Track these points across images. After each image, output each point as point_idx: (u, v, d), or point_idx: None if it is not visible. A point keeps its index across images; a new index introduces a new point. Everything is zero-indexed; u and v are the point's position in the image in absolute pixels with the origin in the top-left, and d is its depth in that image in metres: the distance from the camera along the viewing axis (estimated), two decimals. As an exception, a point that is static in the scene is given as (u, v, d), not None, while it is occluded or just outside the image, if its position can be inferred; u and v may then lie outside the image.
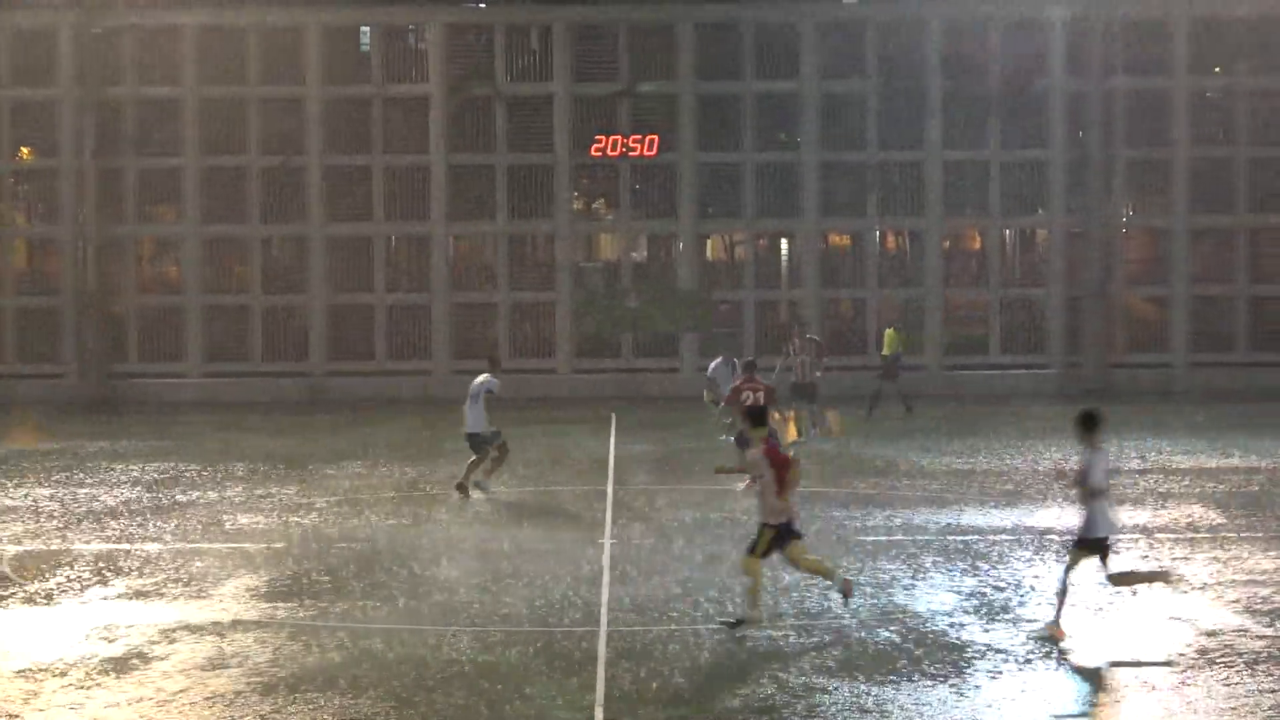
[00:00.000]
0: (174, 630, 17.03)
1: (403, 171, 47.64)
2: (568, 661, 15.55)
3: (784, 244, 49.05)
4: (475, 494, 26.61)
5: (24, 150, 48.39)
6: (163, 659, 15.82)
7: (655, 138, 47.58)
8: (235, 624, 17.29)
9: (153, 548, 22.07)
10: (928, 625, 16.94)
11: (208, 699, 14.38)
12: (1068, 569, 16.66)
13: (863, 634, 16.51)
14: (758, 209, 47.75)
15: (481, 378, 27.04)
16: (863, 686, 14.54)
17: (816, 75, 47.50)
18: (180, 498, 26.94)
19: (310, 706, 14.09)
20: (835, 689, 14.46)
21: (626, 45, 47.63)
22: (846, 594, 17.23)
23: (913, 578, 19.56)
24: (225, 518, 24.67)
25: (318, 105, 47.59)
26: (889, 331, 41.05)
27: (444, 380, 45.92)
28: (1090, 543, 16.48)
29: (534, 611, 17.78)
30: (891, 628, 16.78)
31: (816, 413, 35.20)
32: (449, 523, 24.31)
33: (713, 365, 34.45)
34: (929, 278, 47.86)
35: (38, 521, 24.55)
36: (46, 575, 20.24)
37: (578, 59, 47.65)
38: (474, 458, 26.79)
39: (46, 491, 27.87)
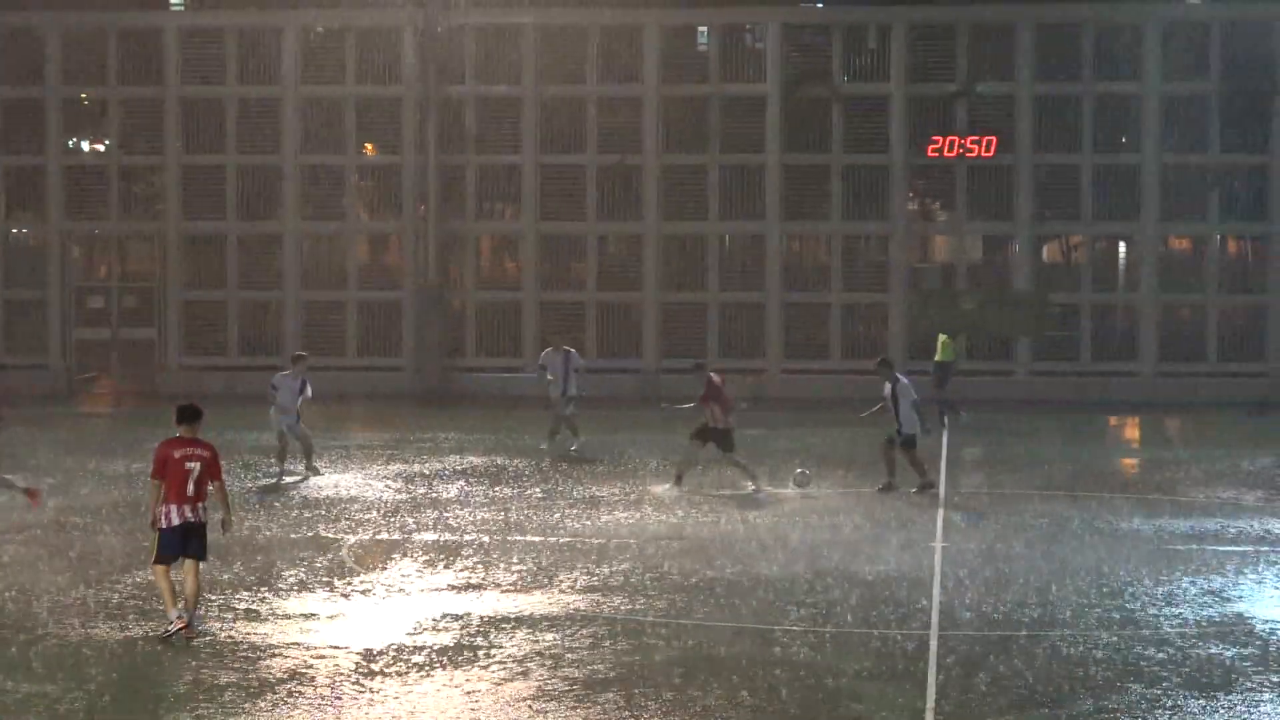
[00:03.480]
0: (505, 621, 18.31)
1: (738, 170, 49.12)
2: (899, 664, 16.58)
3: (1121, 247, 49.84)
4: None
5: (368, 146, 50.70)
6: (494, 649, 17.04)
7: (993, 139, 48.57)
8: (566, 617, 18.52)
9: (485, 538, 23.71)
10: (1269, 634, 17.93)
11: (536, 693, 15.37)
12: None
13: (1209, 648, 17.40)
14: (1096, 212, 48.62)
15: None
16: (1200, 699, 15.27)
17: (1159, 76, 48.20)
18: (506, 491, 28.71)
19: (637, 703, 15.07)
20: (1177, 703, 15.19)
21: (965, 45, 48.75)
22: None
23: (1255, 583, 20.71)
24: (552, 512, 26.33)
25: (655, 104, 49.24)
26: (942, 338, 42.03)
27: (775, 380, 47.45)
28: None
29: (864, 612, 18.90)
30: (1240, 639, 17.70)
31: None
32: (779, 521, 25.79)
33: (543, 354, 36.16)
34: (1272, 282, 48.40)
35: (375, 512, 26.41)
36: (383, 564, 21.88)
37: (915, 59, 48.99)
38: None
39: (382, 483, 29.78)
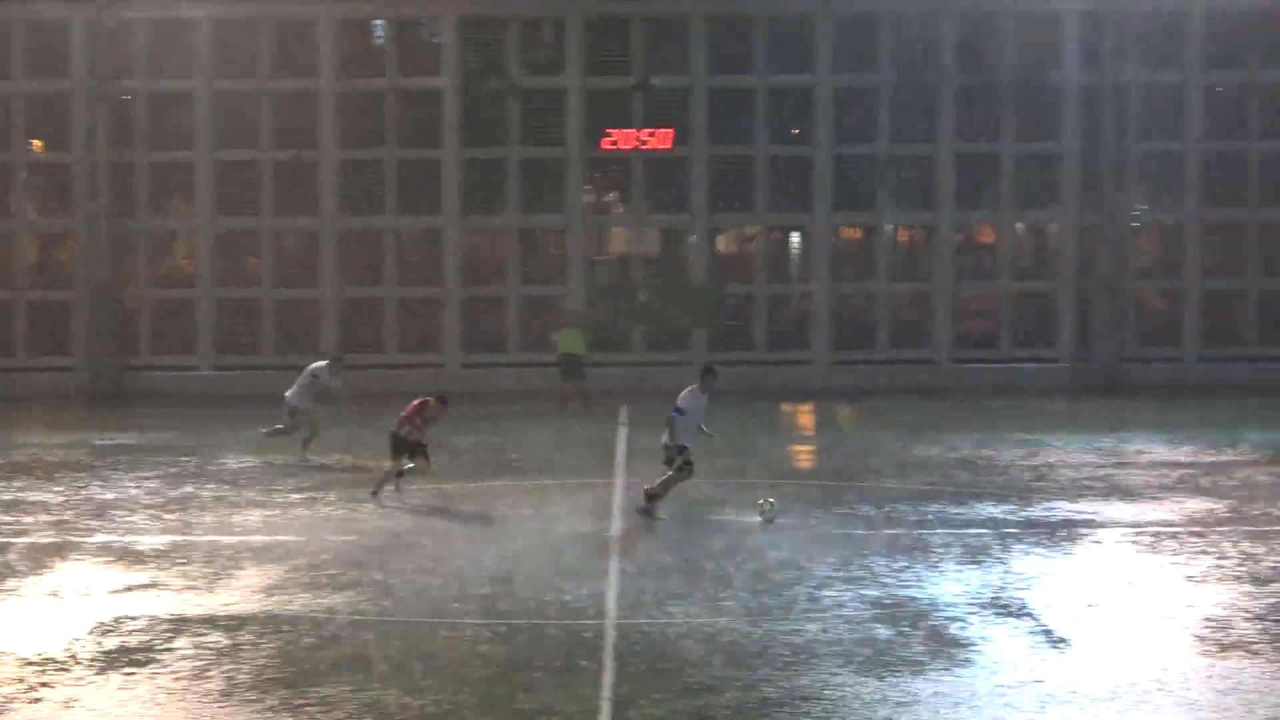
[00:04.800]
0: (182, 623, 18.20)
1: (416, 165, 49.42)
2: (576, 657, 16.85)
3: (795, 237, 50.93)
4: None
5: (36, 143, 50.20)
6: (170, 652, 16.94)
7: (670, 131, 49.42)
8: (246, 617, 18.49)
9: (161, 540, 23.47)
10: (936, 618, 18.58)
11: (213, 692, 15.40)
12: None
13: (873, 628, 18.07)
14: (770, 202, 49.63)
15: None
16: (875, 681, 15.83)
17: (829, 69, 49.32)
18: (187, 491, 28.42)
19: (314, 700, 15.12)
20: (849, 685, 15.70)
21: (640, 39, 49.49)
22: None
23: (929, 569, 21.39)
24: (233, 511, 26.22)
25: (330, 99, 49.37)
26: (570, 331, 43.15)
27: (455, 374, 47.77)
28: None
29: (541, 604, 19.21)
30: (903, 622, 18.36)
31: None
32: (457, 516, 25.97)
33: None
34: (939, 272, 49.74)
35: (46, 514, 26.02)
36: (53, 567, 21.58)
37: (591, 53, 49.63)
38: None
39: (53, 484, 29.28)
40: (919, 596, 19.69)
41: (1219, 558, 22.05)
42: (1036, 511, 25.94)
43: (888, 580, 20.58)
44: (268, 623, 18.25)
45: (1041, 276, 50.87)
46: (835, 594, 19.79)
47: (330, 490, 28.36)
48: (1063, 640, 17.48)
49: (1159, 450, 33.61)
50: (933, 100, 49.85)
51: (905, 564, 21.60)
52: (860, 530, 24.38)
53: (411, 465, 27.50)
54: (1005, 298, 50.52)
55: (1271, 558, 22.09)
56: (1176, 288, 50.65)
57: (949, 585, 20.31)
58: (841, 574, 20.95)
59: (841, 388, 48.54)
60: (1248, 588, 20.16)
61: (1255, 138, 50.23)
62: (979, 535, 23.85)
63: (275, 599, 19.50)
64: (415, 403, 27.85)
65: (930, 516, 25.16)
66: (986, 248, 51.72)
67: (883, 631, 17.87)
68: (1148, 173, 50.55)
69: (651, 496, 25.19)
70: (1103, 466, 31.17)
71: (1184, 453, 33.22)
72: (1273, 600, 19.45)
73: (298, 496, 27.73)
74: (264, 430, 33.88)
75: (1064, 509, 26.19)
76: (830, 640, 17.44)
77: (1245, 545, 22.94)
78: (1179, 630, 17.95)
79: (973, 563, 21.73)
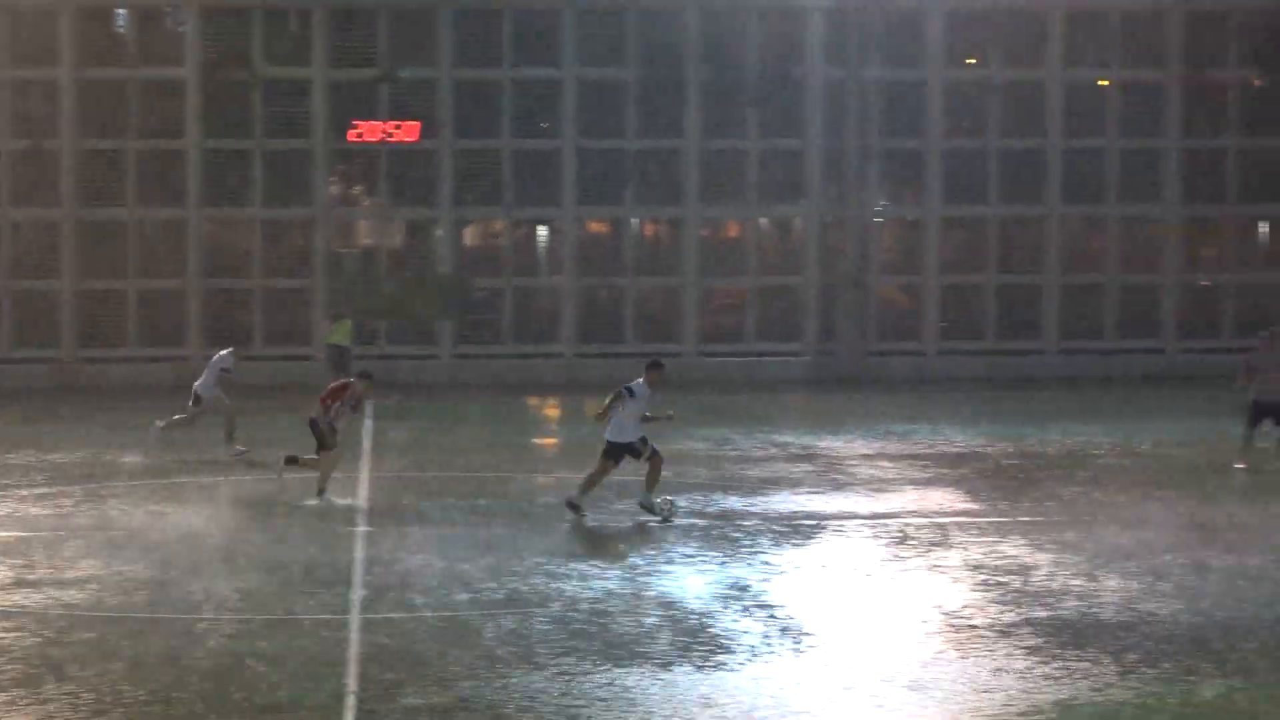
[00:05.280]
0: None
1: (157, 155, 48.92)
2: (323, 649, 17.11)
3: (542, 231, 51.08)
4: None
5: None
6: None
7: (417, 124, 49.38)
8: None
9: None
10: (680, 610, 19.00)
11: None
12: None
13: (621, 620, 18.47)
14: (517, 196, 49.75)
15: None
16: (614, 672, 16.15)
17: (576, 62, 49.53)
18: None
19: (60, 697, 15.18)
20: (589, 674, 16.08)
21: (386, 30, 49.37)
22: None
23: (668, 563, 21.79)
24: None
25: (70, 87, 48.70)
26: (343, 323, 43.36)
27: (199, 368, 47.29)
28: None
29: (284, 598, 19.47)
30: (652, 613, 18.80)
31: None
32: (198, 510, 25.96)
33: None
34: (687, 266, 50.17)
35: None
36: None
37: (336, 44, 49.39)
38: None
39: None
40: (660, 591, 20.00)
41: (960, 550, 22.63)
42: (777, 505, 26.38)
43: (628, 574, 20.85)
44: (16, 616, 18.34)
45: (786, 271, 51.47)
46: (575, 587, 20.10)
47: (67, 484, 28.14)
48: (804, 634, 17.80)
49: (900, 443, 34.27)
50: (679, 95, 50.22)
51: (649, 558, 21.85)
52: (596, 523, 24.72)
53: (314, 457, 26.83)
54: (751, 291, 51.07)
55: (1012, 550, 22.63)
56: (918, 282, 51.53)
57: (691, 579, 20.65)
58: (584, 566, 21.28)
59: (588, 381, 48.63)
60: (985, 579, 20.67)
61: (995, 135, 51.20)
62: (720, 528, 24.26)
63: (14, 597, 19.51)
64: (334, 385, 27.32)
65: (672, 509, 25.28)
66: (732, 242, 52.26)
67: (623, 625, 18.14)
68: (890, 169, 51.43)
69: (647, 506, 25.04)
70: (845, 459, 31.72)
71: (924, 445, 33.92)
72: (1014, 592, 19.96)
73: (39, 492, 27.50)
74: (160, 424, 33.25)
75: (805, 502, 26.71)
76: (573, 633, 17.69)
77: (985, 538, 23.55)
78: (918, 623, 18.37)
79: (715, 556, 22.09)
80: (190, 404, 32.82)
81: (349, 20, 49.95)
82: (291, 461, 27.12)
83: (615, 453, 25.07)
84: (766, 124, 50.61)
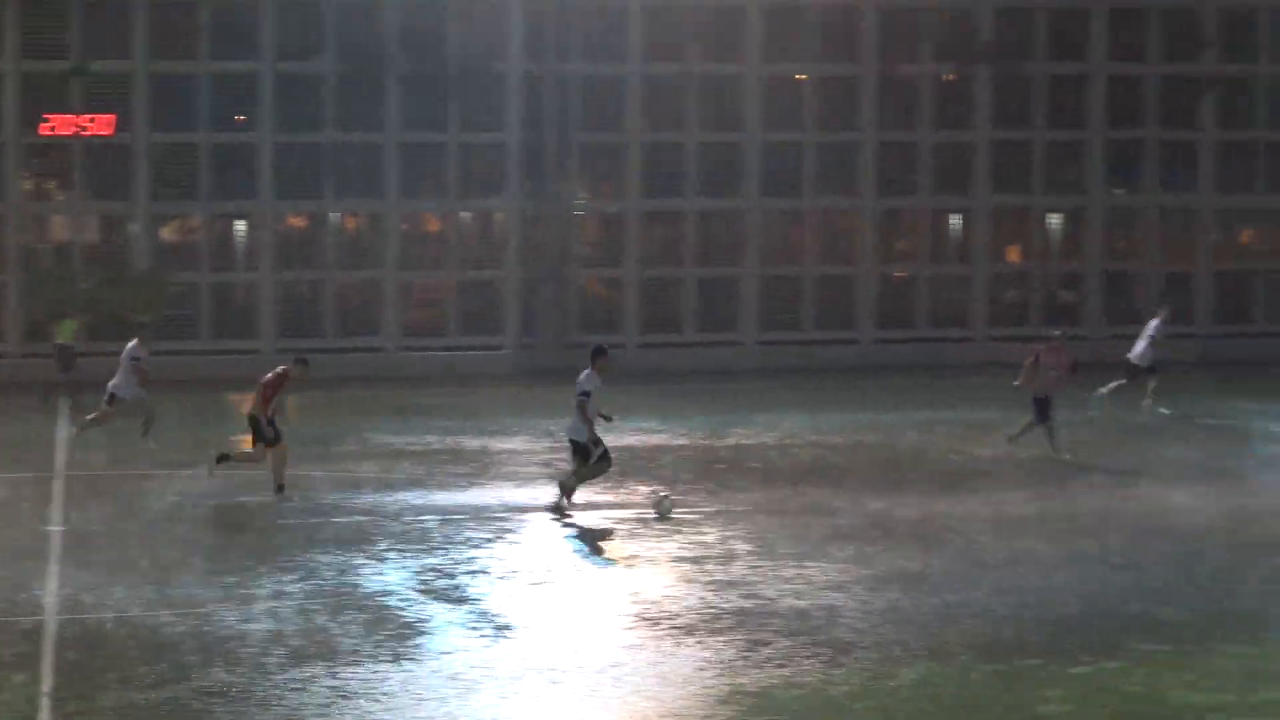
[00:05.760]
0: None
1: None
2: (17, 648, 17.22)
3: (239, 225, 50.78)
4: None
5: None
6: None
7: (112, 117, 48.84)
8: None
9: None
10: (381, 605, 19.31)
11: None
12: None
13: (317, 618, 18.67)
14: (214, 190, 49.44)
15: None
16: (318, 670, 16.42)
17: (274, 54, 49.28)
18: None
19: None
20: (293, 676, 16.24)
21: (79, 21, 48.68)
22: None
23: (367, 559, 22.04)
24: None
25: None
26: (70, 320, 43.34)
27: None
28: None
29: None
30: (348, 611, 18.99)
31: None
32: None
33: None
34: (387, 259, 50.27)
35: None
36: None
37: (27, 35, 48.63)
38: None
39: None
40: (363, 586, 20.29)
41: (665, 541, 23.21)
42: (481, 497, 26.84)
43: (330, 570, 21.07)
44: None
45: (487, 264, 51.74)
46: (277, 584, 20.33)
47: None
48: (508, 626, 18.23)
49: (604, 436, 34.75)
50: (378, 87, 50.18)
51: (350, 553, 22.05)
52: (298, 520, 24.78)
53: (249, 451, 26.61)
54: (453, 285, 51.30)
55: (718, 539, 23.35)
56: (618, 275, 52.12)
57: (393, 574, 21.00)
58: (284, 563, 21.49)
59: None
60: (688, 569, 21.28)
61: (695, 129, 51.90)
62: (422, 522, 24.61)
63: None
64: (271, 377, 26.68)
65: (372, 504, 25.69)
66: (433, 235, 52.44)
67: (326, 621, 18.36)
68: (590, 162, 51.91)
69: (566, 491, 25.59)
70: (548, 452, 32.07)
71: (631, 437, 34.32)
72: (720, 580, 20.60)
73: None
74: (79, 422, 33.06)
75: (509, 494, 27.22)
76: (275, 631, 17.92)
77: (693, 528, 24.19)
78: (623, 614, 18.86)
79: (416, 550, 22.44)
80: (105, 403, 32.70)
81: (39, 10, 49.18)
82: (224, 459, 27.09)
83: (581, 449, 25.62)
84: (467, 117, 50.81)
